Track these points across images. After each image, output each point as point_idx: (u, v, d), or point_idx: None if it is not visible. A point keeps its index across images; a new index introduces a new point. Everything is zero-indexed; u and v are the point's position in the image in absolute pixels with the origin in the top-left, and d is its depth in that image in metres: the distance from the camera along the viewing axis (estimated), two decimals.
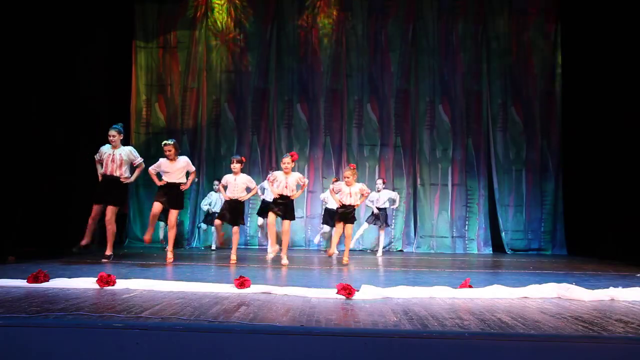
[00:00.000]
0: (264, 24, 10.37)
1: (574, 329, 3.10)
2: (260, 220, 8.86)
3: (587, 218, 9.45)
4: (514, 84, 10.32)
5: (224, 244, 9.42)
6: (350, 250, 7.45)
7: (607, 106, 8.95)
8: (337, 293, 4.08)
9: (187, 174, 6.81)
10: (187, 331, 2.75)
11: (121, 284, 4.35)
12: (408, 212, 10.16)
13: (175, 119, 10.32)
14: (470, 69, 10.33)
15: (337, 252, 7.62)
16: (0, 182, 6.47)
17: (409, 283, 4.78)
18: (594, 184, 9.29)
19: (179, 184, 6.70)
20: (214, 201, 9.24)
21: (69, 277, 4.57)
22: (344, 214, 7.03)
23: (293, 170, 6.90)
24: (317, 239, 9.46)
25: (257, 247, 9.83)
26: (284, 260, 6.76)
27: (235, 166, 6.92)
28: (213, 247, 9.28)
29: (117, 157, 6.56)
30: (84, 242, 6.55)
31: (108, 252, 6.69)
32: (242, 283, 4.30)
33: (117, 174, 6.58)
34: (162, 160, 6.66)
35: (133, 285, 4.36)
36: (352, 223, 7.18)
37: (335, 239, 7.24)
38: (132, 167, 6.80)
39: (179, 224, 9.86)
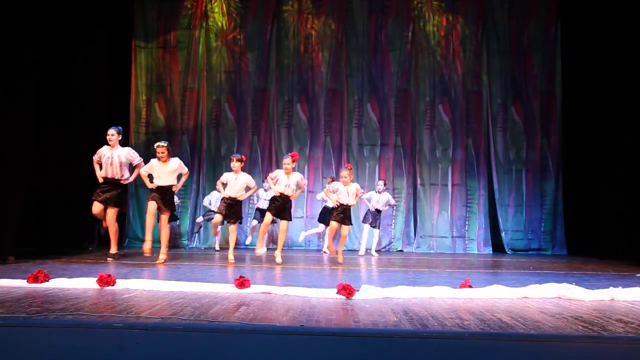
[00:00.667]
0: (264, 24, 10.36)
1: (574, 329, 3.10)
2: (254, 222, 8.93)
3: (587, 218, 9.46)
4: (514, 84, 10.32)
5: (224, 245, 9.42)
6: (349, 250, 7.47)
7: (607, 106, 8.96)
8: (337, 293, 4.09)
9: (180, 176, 6.77)
10: (187, 331, 2.74)
11: (121, 284, 4.36)
12: (408, 212, 10.16)
13: (175, 119, 10.31)
14: (470, 69, 10.33)
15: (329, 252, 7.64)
16: (0, 182, 6.47)
17: (409, 283, 4.78)
18: (594, 184, 9.30)
19: (171, 185, 6.70)
20: (214, 200, 9.24)
21: (69, 277, 4.58)
22: (341, 214, 7.06)
23: (293, 170, 6.91)
24: (301, 237, 9.29)
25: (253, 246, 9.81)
26: (278, 259, 6.81)
27: (235, 165, 6.92)
28: (217, 247, 9.29)
29: (115, 160, 6.57)
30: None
31: (113, 250, 6.77)
32: (242, 283, 4.30)
33: (117, 176, 6.61)
34: (153, 161, 6.59)
35: (133, 285, 4.36)
36: (349, 225, 7.21)
37: (329, 238, 7.28)
38: (131, 167, 6.81)
39: (179, 225, 9.87)
